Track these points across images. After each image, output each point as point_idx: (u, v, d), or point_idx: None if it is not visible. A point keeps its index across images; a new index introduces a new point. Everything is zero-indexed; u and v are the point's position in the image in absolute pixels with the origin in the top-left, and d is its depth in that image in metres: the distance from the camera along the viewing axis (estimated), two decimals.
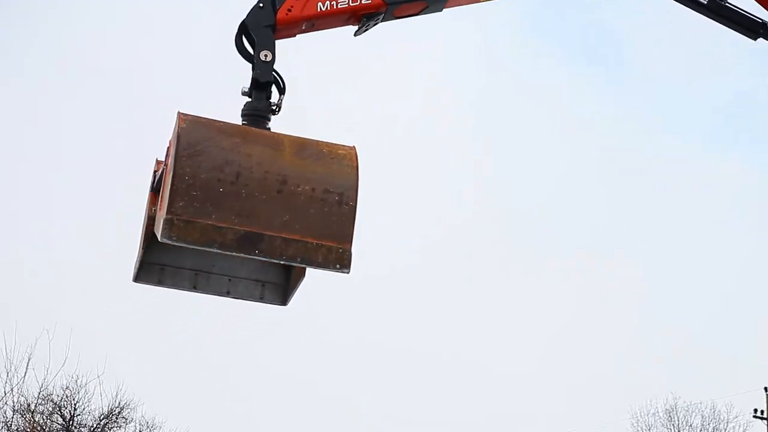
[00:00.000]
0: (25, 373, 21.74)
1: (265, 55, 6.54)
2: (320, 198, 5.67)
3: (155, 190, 6.68)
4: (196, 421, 51.87)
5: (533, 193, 78.54)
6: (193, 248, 5.52)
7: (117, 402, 27.10)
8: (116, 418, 25.10)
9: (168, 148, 5.98)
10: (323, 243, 5.56)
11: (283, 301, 6.98)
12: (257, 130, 6.14)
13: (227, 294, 7.28)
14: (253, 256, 5.52)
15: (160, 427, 33.13)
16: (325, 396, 57.13)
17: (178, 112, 5.83)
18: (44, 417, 23.82)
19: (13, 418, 22.19)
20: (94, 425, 24.58)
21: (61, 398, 24.01)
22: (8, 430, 22.05)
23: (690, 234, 72.45)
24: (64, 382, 24.22)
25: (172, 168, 5.48)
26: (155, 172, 6.82)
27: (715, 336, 66.49)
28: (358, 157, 6.02)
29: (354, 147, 6.14)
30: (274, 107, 6.54)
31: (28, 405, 22.86)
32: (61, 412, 24.15)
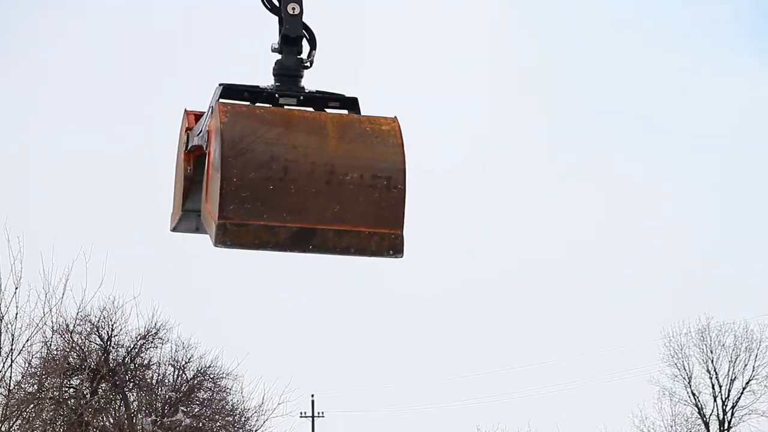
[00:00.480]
0: (63, 295, 21.95)
1: (293, 8, 6.30)
2: (369, 185, 5.61)
3: (190, 151, 6.60)
4: (229, 342, 52.76)
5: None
6: (247, 250, 5.41)
7: (153, 323, 27.52)
8: (153, 339, 25.47)
9: (208, 133, 5.84)
10: (375, 230, 5.55)
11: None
12: (299, 112, 5.99)
13: None
14: (306, 252, 5.48)
15: (195, 348, 33.75)
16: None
17: (219, 104, 5.73)
18: (82, 337, 24.19)
19: (52, 338, 22.54)
20: (131, 345, 25.00)
21: (99, 319, 24.36)
22: (48, 349, 22.48)
23: (727, 153, 71.47)
24: (101, 304, 24.56)
25: (219, 169, 5.40)
26: (187, 129, 6.71)
27: (749, 255, 66.12)
28: (401, 131, 5.96)
29: (396, 119, 6.09)
30: (305, 63, 6.35)
31: (67, 325, 23.20)
32: (98, 333, 24.52)
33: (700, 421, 28.15)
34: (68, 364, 23.13)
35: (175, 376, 25.48)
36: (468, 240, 70.05)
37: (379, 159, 5.75)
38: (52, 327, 22.49)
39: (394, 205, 5.61)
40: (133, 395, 25.12)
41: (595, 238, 65.15)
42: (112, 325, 24.49)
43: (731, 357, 29.24)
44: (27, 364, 21.87)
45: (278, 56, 6.27)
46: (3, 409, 20.02)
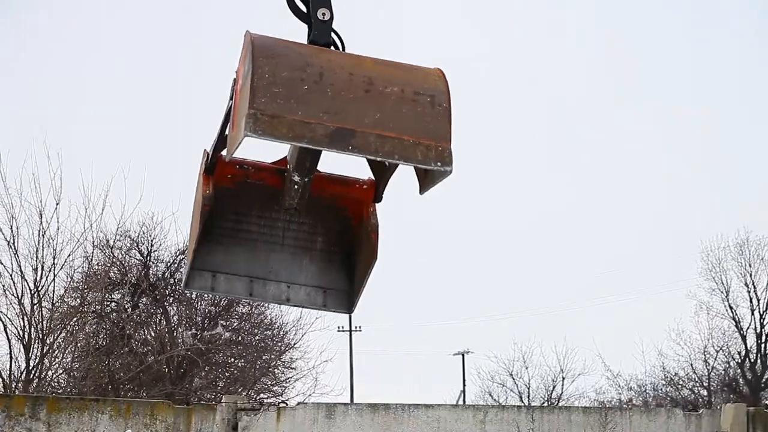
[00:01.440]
0: (103, 210, 22.25)
1: (323, 14, 6.05)
2: (411, 99, 5.20)
3: (208, 170, 6.29)
4: None
5: None
6: (282, 142, 5.02)
7: None
8: None
9: (235, 76, 5.54)
10: (421, 141, 5.10)
11: (349, 307, 6.66)
12: (333, 54, 5.61)
13: (287, 302, 6.88)
14: (346, 152, 5.02)
15: None
16: None
17: (247, 31, 5.33)
18: (123, 252, 24.55)
19: (93, 253, 22.93)
20: (171, 261, 25.32)
21: (138, 235, 24.66)
22: (89, 264, 22.86)
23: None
24: (141, 220, 24.84)
25: (250, 70, 5.00)
26: (207, 153, 6.37)
27: None
28: (445, 74, 5.52)
29: (439, 68, 5.63)
30: None
31: (107, 241, 23.53)
32: (138, 248, 24.86)
33: (737, 334, 28.18)
34: (109, 278, 23.52)
35: None
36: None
37: (421, 80, 5.35)
38: (93, 242, 22.83)
39: (440, 120, 5.19)
40: (173, 309, 25.51)
41: (632, 151, 64.50)
42: (152, 241, 24.78)
43: None
44: (69, 279, 22.29)
45: None
46: (48, 322, 20.48)
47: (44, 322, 20.31)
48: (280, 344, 26.93)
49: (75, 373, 21.65)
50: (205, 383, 24.87)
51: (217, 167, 6.17)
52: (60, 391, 20.54)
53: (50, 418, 14.97)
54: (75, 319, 21.48)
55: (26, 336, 19.99)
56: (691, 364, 28.70)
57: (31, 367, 19.80)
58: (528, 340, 65.61)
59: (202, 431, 15.60)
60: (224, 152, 5.77)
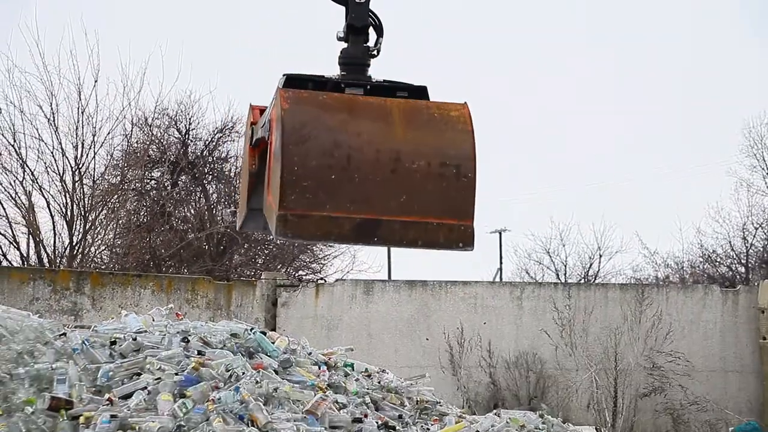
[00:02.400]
0: (141, 88, 22.21)
1: None
2: (437, 173, 5.22)
3: (254, 146, 6.36)
4: None
5: None
6: (310, 242, 5.20)
7: (229, 117, 27.83)
8: (229, 133, 25.81)
9: (270, 122, 5.52)
10: (444, 222, 5.19)
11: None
12: (363, 99, 5.62)
13: None
14: (371, 245, 5.15)
15: None
16: None
17: (279, 90, 5.39)
18: (161, 130, 24.61)
19: (132, 130, 23.01)
20: (209, 139, 25.38)
21: (176, 113, 24.66)
22: (128, 142, 22.97)
23: None
24: (178, 98, 24.76)
25: (280, 158, 5.07)
26: (252, 124, 6.45)
27: None
28: (472, 117, 5.52)
29: (466, 104, 5.64)
30: (372, 51, 6.00)
31: (146, 119, 23.60)
32: (177, 126, 24.91)
33: None
34: (149, 156, 23.64)
35: None
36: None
37: (448, 146, 5.35)
38: (132, 120, 22.90)
39: (464, 195, 5.25)
40: (212, 187, 25.69)
41: (670, 22, 62.98)
42: (190, 119, 24.79)
43: None
44: (109, 157, 22.42)
45: (343, 45, 5.88)
46: (89, 199, 20.74)
47: (86, 199, 20.55)
48: None
49: (117, 249, 22.01)
50: (245, 260, 25.21)
51: (261, 143, 6.14)
52: (103, 267, 20.94)
53: (94, 293, 15.31)
54: (116, 196, 21.71)
55: (69, 213, 20.27)
56: (730, 242, 28.51)
57: (74, 243, 20.16)
58: (565, 218, 65.73)
59: (242, 306, 15.90)
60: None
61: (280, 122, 5.16)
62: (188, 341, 7.40)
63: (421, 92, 6.06)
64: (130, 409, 5.93)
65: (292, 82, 5.90)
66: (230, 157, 26.02)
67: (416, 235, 5.14)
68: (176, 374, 6.49)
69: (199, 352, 7.05)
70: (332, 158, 5.12)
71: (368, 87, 5.92)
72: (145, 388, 6.26)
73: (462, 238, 5.18)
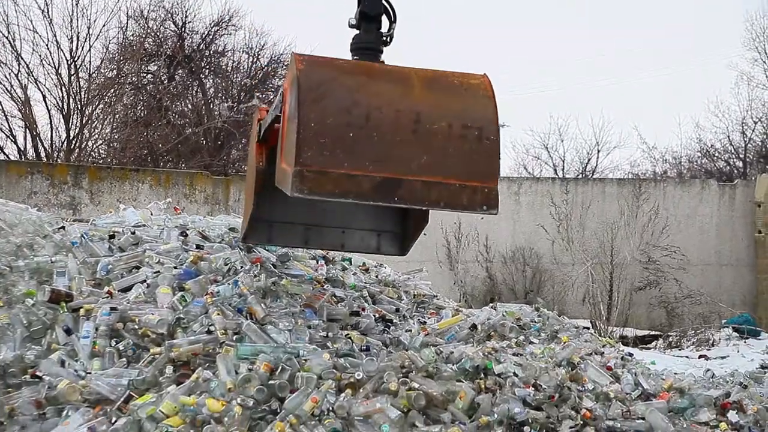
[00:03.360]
0: None
1: None
2: (459, 134, 5.05)
3: (262, 140, 6.32)
4: (301, 31, 52.58)
5: None
6: (327, 200, 4.98)
7: (226, 10, 27.40)
8: (226, 26, 25.47)
9: (283, 93, 5.34)
10: (467, 183, 5.00)
11: (402, 250, 6.71)
12: (380, 65, 5.44)
13: (341, 248, 7.17)
14: (392, 204, 5.00)
15: (269, 35, 33.70)
16: None
17: (293, 54, 5.17)
18: (157, 23, 24.27)
19: (127, 23, 22.72)
20: (206, 32, 25.06)
21: (172, 5, 24.29)
22: (124, 35, 22.68)
23: None
24: None
25: (296, 115, 4.87)
26: (259, 120, 6.43)
27: None
28: (492, 86, 5.34)
29: (486, 75, 5.46)
30: (385, 38, 5.78)
31: (141, 11, 23.26)
32: (173, 19, 24.57)
33: None
34: (144, 50, 23.37)
35: (249, 64, 25.72)
36: None
37: (470, 109, 5.17)
38: (127, 12, 22.61)
39: (487, 158, 5.07)
40: (209, 82, 25.51)
41: None
42: (186, 12, 24.44)
43: None
44: (105, 50, 22.20)
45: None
46: (85, 92, 20.59)
47: (82, 93, 20.42)
48: None
49: (114, 144, 21.96)
50: (242, 155, 25.17)
51: (271, 137, 6.09)
52: (100, 162, 20.93)
53: (92, 187, 15.33)
54: (112, 90, 21.55)
55: (65, 107, 20.17)
56: (728, 136, 28.41)
57: (71, 138, 20.10)
58: (564, 113, 65.46)
59: (240, 201, 15.94)
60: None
61: (296, 82, 4.97)
62: (187, 235, 7.43)
63: None
64: (130, 301, 5.99)
65: None
66: (227, 51, 25.77)
67: (439, 195, 5.00)
68: (175, 268, 6.54)
69: (198, 246, 7.09)
70: (350, 116, 4.95)
71: None
72: (144, 281, 6.31)
73: (485, 201, 5.05)
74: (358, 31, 5.79)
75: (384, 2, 5.83)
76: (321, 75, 5.07)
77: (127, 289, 6.26)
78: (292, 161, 4.82)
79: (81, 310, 5.77)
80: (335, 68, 5.18)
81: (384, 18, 5.81)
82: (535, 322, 7.94)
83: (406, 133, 4.99)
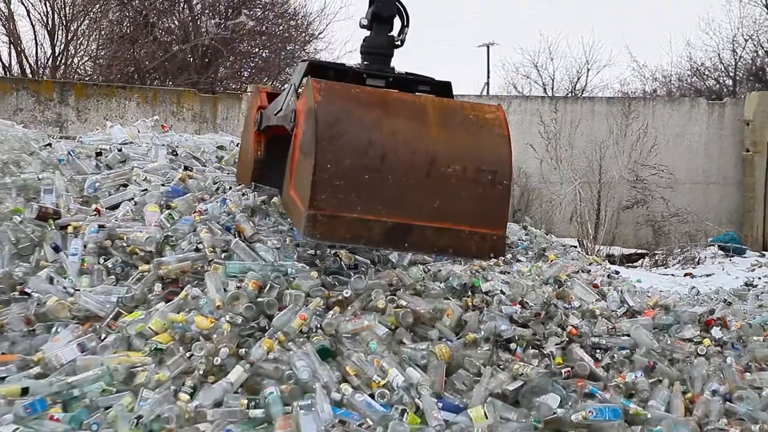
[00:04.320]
0: None
1: None
2: (472, 178, 5.03)
3: (262, 131, 6.29)
4: None
5: None
6: (340, 244, 5.05)
7: None
8: None
9: (295, 113, 5.27)
10: (476, 230, 5.02)
11: None
12: (397, 95, 5.32)
13: None
14: (401, 251, 5.12)
15: None
16: None
17: (312, 81, 5.03)
18: None
19: None
20: None
21: None
22: None
23: None
24: None
25: (312, 151, 4.77)
26: (259, 108, 6.37)
27: None
28: (507, 120, 5.36)
29: (500, 107, 5.43)
30: (397, 41, 5.77)
31: None
32: None
33: None
34: None
35: None
36: None
37: (485, 150, 5.17)
38: None
39: (498, 203, 5.09)
40: None
41: None
42: None
43: None
44: None
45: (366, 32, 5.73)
46: (70, 8, 20.28)
47: (67, 9, 20.10)
48: (304, 34, 26.64)
49: (100, 60, 21.72)
50: (230, 73, 24.94)
51: (271, 129, 6.14)
52: (87, 79, 20.70)
53: (78, 104, 15.20)
54: (97, 6, 21.22)
55: (50, 22, 19.88)
56: (719, 54, 28.19)
57: (56, 54, 19.85)
58: (554, 31, 64.80)
59: (228, 119, 15.86)
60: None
61: (313, 115, 4.89)
62: (177, 154, 7.41)
63: (444, 87, 5.94)
64: (118, 219, 5.98)
65: (314, 69, 5.80)
66: None
67: (448, 243, 5.03)
68: (162, 185, 6.52)
69: (186, 168, 7.06)
70: (366, 157, 4.91)
71: (390, 79, 5.77)
72: (132, 199, 6.30)
73: (493, 249, 5.11)
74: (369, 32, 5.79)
75: (397, 3, 5.79)
76: (338, 109, 5.00)
77: (114, 207, 6.25)
78: (306, 202, 4.78)
79: (69, 227, 5.77)
80: (352, 100, 5.10)
81: (397, 20, 5.78)
82: (522, 240, 7.99)
83: (420, 175, 4.97)
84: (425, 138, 5.11)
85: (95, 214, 6.05)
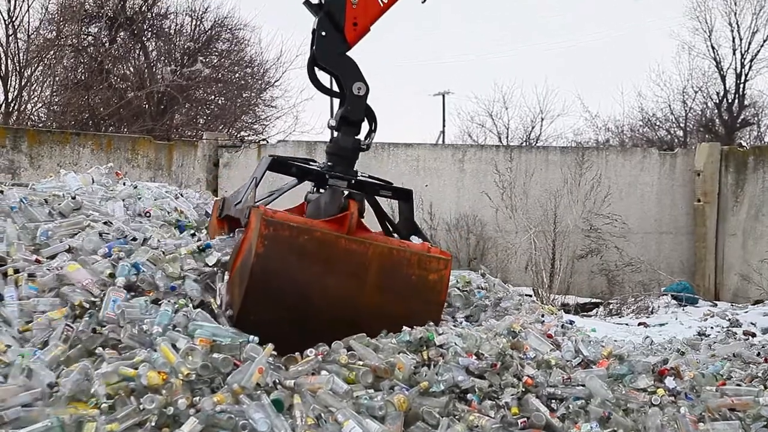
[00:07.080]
0: None
1: (359, 89, 5.92)
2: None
3: (222, 218, 6.70)
4: None
5: None
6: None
7: None
8: None
9: (248, 224, 5.58)
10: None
11: None
12: (346, 244, 5.58)
13: None
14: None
15: None
16: None
17: (262, 221, 5.35)
18: None
19: None
20: None
21: None
22: None
23: None
24: None
25: (241, 294, 5.29)
26: (217, 201, 6.92)
27: None
28: (449, 278, 5.89)
29: (449, 261, 5.85)
30: (363, 145, 6.04)
31: None
32: None
33: (717, 75, 27.87)
34: (85, 11, 22.90)
35: (193, 27, 25.33)
36: None
37: (413, 319, 5.53)
38: None
39: None
40: (151, 45, 25.08)
41: None
42: None
43: (755, 9, 28.41)
44: (44, 10, 21.73)
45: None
46: (24, 54, 20.14)
47: (20, 55, 19.97)
48: (260, 82, 26.70)
49: (55, 107, 21.55)
50: (186, 120, 24.87)
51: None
52: (41, 125, 20.52)
53: (32, 151, 15.04)
54: (52, 52, 21.10)
55: (3, 68, 19.72)
56: (669, 105, 28.71)
57: (9, 100, 19.68)
58: (508, 80, 65.56)
59: (183, 166, 15.77)
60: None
61: (249, 268, 5.26)
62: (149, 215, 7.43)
63: (405, 194, 6.33)
64: (51, 269, 5.86)
65: (278, 164, 6.02)
66: (170, 14, 25.35)
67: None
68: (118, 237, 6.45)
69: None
70: (294, 312, 5.33)
71: (352, 181, 6.04)
72: (69, 249, 6.20)
73: None
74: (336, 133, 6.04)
75: (367, 107, 6.02)
76: (278, 261, 5.31)
77: (53, 257, 6.14)
78: (237, 309, 5.34)
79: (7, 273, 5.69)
80: (295, 253, 5.39)
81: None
82: (481, 288, 8.00)
83: (341, 327, 5.31)
84: (357, 301, 5.51)
85: (35, 263, 5.95)
